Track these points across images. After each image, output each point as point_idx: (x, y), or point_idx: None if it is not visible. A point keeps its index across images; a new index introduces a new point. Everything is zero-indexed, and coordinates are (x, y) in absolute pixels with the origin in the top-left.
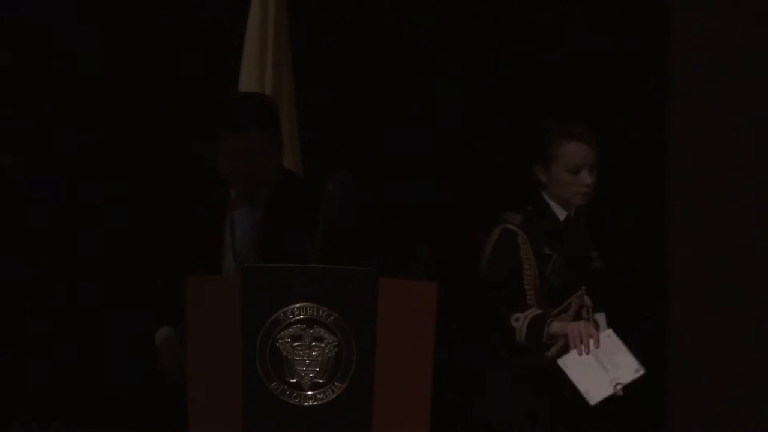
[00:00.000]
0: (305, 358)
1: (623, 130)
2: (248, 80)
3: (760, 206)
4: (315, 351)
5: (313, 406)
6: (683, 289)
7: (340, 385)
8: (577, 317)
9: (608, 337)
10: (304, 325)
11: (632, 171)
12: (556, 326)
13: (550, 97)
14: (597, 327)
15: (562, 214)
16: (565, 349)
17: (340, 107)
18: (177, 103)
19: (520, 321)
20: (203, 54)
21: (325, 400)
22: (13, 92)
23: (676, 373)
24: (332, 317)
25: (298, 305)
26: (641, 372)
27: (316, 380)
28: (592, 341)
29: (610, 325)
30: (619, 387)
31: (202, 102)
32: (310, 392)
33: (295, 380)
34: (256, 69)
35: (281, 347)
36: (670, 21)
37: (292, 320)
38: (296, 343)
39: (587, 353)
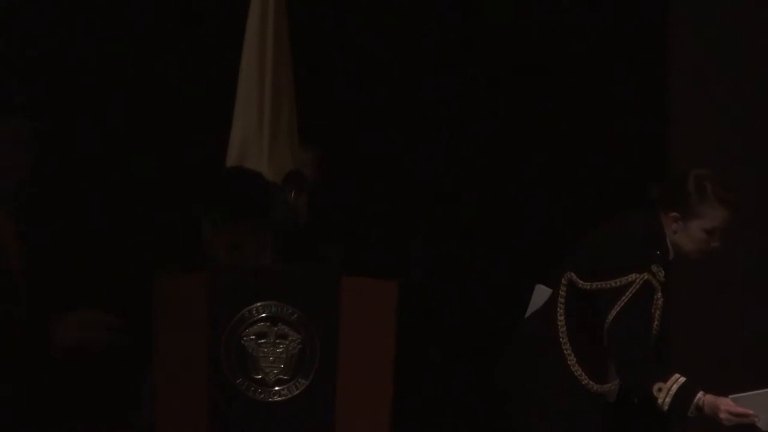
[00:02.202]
0: (269, 355)
1: (623, 132)
2: (248, 80)
3: (759, 206)
4: (279, 348)
5: (277, 401)
6: (683, 290)
7: (303, 381)
8: None
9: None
10: (269, 323)
11: (632, 172)
12: (707, 407)
13: (550, 96)
14: None
15: (669, 257)
16: None
17: (340, 106)
18: (177, 103)
19: (663, 392)
20: (203, 54)
21: (289, 395)
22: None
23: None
24: (296, 315)
25: (262, 303)
26: None
27: (280, 377)
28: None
29: None
30: None
31: (201, 102)
32: (274, 388)
33: (260, 376)
34: (256, 69)
35: (246, 344)
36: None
37: (257, 318)
38: (261, 341)
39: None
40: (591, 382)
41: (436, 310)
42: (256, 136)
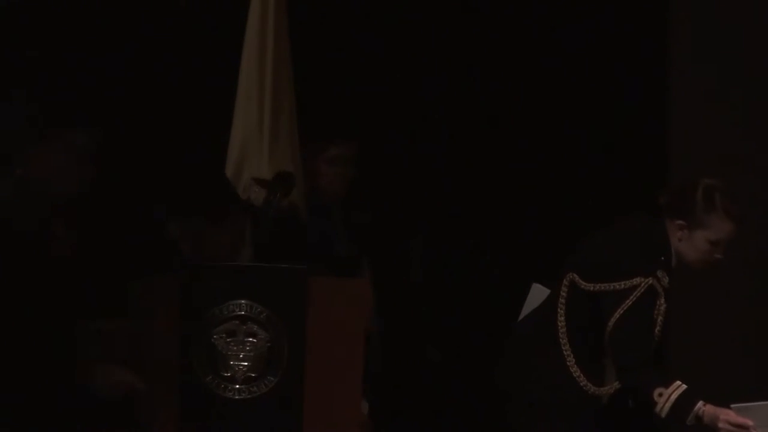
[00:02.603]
0: (239, 353)
1: (623, 132)
2: (248, 80)
3: (760, 208)
4: (248, 346)
5: (245, 399)
6: (684, 295)
7: (272, 378)
8: None
9: (738, 410)
10: (238, 321)
11: (632, 172)
12: (707, 417)
13: (550, 96)
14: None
15: (673, 264)
16: None
17: (340, 107)
18: (177, 103)
19: (664, 397)
20: (203, 54)
21: (258, 393)
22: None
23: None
24: (264, 314)
25: (232, 302)
26: None
27: (248, 374)
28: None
29: None
30: None
31: (201, 102)
32: (242, 386)
33: (228, 374)
34: (256, 69)
35: (216, 342)
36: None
37: (227, 316)
38: (230, 339)
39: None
40: (589, 383)
41: (436, 310)
42: (256, 136)
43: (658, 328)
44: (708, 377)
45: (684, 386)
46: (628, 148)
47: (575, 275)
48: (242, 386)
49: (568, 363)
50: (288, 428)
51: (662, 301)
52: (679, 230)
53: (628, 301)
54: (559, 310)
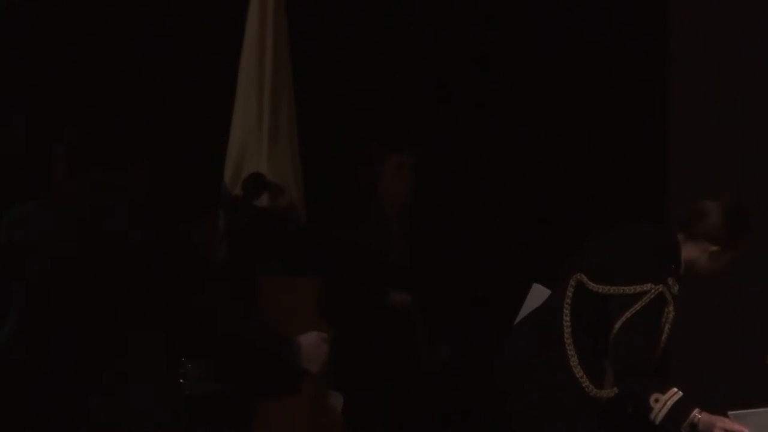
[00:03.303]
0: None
1: (623, 132)
2: (247, 80)
3: (760, 208)
4: None
5: (198, 396)
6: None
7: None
8: None
9: (735, 417)
10: None
11: (631, 172)
12: (702, 425)
13: (550, 96)
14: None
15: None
16: None
17: (340, 107)
18: (177, 103)
19: (660, 403)
20: (203, 54)
21: (210, 390)
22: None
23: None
24: None
25: None
26: None
27: (201, 371)
28: None
29: None
30: None
31: (201, 102)
32: (197, 383)
33: (182, 371)
34: (256, 69)
35: None
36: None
37: None
38: None
39: None
40: (591, 385)
41: (437, 310)
42: (255, 136)
43: (665, 335)
44: (706, 383)
45: (680, 393)
46: (627, 148)
47: (583, 276)
48: (196, 383)
49: (571, 363)
50: (240, 424)
51: (671, 308)
52: (707, 252)
53: (636, 305)
54: (564, 310)
